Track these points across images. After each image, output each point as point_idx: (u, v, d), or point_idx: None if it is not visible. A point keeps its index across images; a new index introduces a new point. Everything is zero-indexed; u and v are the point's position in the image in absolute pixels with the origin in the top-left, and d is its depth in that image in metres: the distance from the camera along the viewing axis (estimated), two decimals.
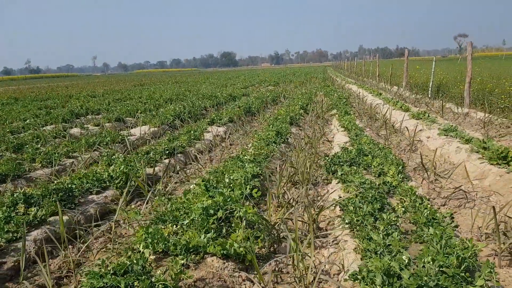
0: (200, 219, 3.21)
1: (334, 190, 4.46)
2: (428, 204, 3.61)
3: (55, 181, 4.79)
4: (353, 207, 3.46)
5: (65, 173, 6.17)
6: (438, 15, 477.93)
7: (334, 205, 3.93)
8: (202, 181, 4.12)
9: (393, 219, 3.14)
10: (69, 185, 4.20)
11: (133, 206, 4.60)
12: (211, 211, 3.34)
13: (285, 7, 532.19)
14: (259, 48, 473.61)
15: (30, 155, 6.29)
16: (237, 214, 3.39)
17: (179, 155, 6.78)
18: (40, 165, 6.06)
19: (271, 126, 8.08)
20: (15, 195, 3.88)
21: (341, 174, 4.71)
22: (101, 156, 6.29)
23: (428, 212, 3.31)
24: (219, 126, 9.36)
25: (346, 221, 3.36)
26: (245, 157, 5.50)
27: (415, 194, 3.84)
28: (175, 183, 5.45)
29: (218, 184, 4.16)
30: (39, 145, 7.28)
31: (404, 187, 4.13)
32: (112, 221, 3.66)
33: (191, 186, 4.55)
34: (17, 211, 3.74)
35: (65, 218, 3.78)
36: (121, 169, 4.80)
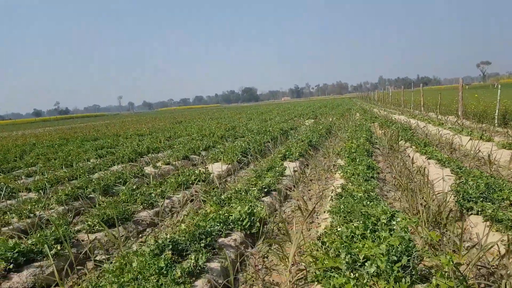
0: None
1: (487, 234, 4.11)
2: None
3: (188, 223, 4.63)
4: None
5: (163, 214, 6.07)
6: (456, 44, 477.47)
7: None
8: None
9: None
10: (209, 229, 4.02)
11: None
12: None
13: (302, 41, 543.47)
14: (279, 83, 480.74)
15: (128, 196, 6.22)
16: None
17: (273, 192, 6.58)
18: (141, 206, 5.96)
19: (353, 160, 7.83)
20: (160, 241, 3.72)
21: (481, 210, 4.38)
22: (207, 196, 6.15)
23: None
24: (291, 161, 9.18)
25: None
26: (359, 194, 5.25)
27: None
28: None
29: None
30: (127, 186, 7.23)
31: None
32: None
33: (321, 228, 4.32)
34: (165, 258, 3.56)
35: (217, 265, 3.58)
36: (245, 210, 4.61)
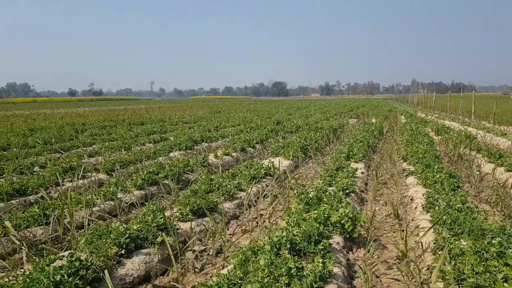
0: None
1: None
2: None
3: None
4: None
5: (241, 207, 6.01)
6: (494, 50, 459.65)
7: None
8: None
9: None
10: (315, 231, 3.88)
11: None
12: None
13: (335, 39, 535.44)
14: (308, 79, 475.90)
15: (207, 186, 6.18)
16: None
17: (352, 194, 6.39)
18: (223, 198, 5.91)
19: (428, 167, 7.53)
20: (275, 239, 3.62)
21: None
22: (282, 191, 6.05)
23: None
24: (355, 162, 8.95)
25: None
26: (458, 205, 5.01)
27: None
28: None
29: None
30: (199, 176, 7.23)
31: None
32: None
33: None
34: (282, 256, 3.46)
35: (338, 270, 3.45)
36: (346, 212, 4.46)
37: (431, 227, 4.03)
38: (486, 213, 5.64)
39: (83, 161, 9.37)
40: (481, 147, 9.75)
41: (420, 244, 3.84)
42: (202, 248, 4.49)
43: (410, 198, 6.56)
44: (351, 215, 4.45)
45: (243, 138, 11.70)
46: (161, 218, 4.38)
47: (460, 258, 3.48)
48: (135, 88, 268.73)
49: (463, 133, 12.35)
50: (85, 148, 11.22)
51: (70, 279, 2.99)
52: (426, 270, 3.78)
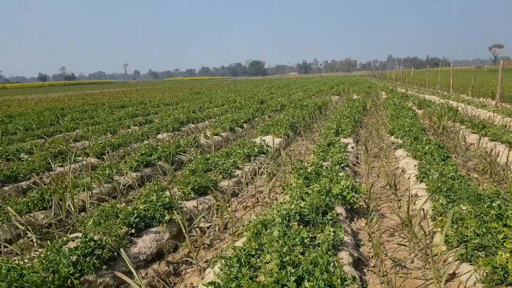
0: None
1: None
2: None
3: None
4: None
5: (240, 184, 6.06)
6: (467, 25, 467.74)
7: None
8: None
9: None
10: (322, 203, 3.97)
11: None
12: None
13: (312, 16, 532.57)
14: (286, 57, 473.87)
15: (204, 165, 6.19)
16: None
17: (346, 168, 6.52)
18: (221, 176, 5.94)
19: (416, 139, 7.73)
20: (283, 212, 3.69)
21: None
22: (277, 168, 6.11)
23: None
24: (344, 137, 9.09)
25: None
26: (451, 173, 5.20)
27: None
28: None
29: None
30: (195, 156, 7.21)
31: None
32: None
33: None
34: (292, 228, 3.55)
35: (348, 238, 3.56)
36: (347, 184, 4.57)
37: (431, 194, 4.20)
38: (478, 180, 5.88)
39: (70, 145, 9.18)
40: (464, 119, 10.05)
41: (422, 211, 3.99)
42: (208, 225, 4.54)
43: (401, 170, 6.76)
44: (352, 187, 4.56)
45: (230, 118, 11.68)
46: (165, 197, 4.39)
47: (460, 222, 3.64)
48: (108, 71, 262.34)
49: (446, 105, 12.66)
50: (68, 133, 10.98)
51: (87, 258, 2.99)
52: (427, 235, 3.95)
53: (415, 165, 6.31)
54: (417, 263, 3.52)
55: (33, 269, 2.63)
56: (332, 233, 3.32)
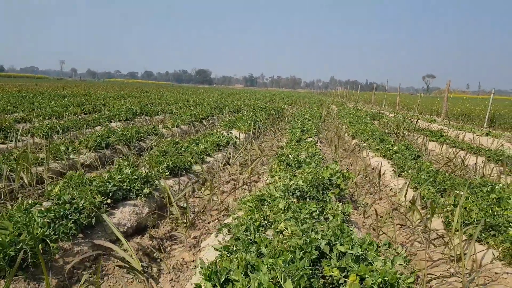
0: None
1: None
2: None
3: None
4: None
5: (212, 169, 5.65)
6: (403, 55, 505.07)
7: None
8: None
9: None
10: (315, 182, 3.72)
11: None
12: None
13: (261, 31, 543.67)
14: (232, 69, 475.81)
15: (173, 149, 5.69)
16: None
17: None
18: (193, 160, 5.49)
19: (382, 141, 7.84)
20: (283, 187, 3.38)
21: None
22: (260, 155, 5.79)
23: None
24: (310, 137, 9.01)
25: None
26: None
27: None
28: None
29: None
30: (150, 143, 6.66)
31: None
32: None
33: None
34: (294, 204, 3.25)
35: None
36: (336, 169, 4.38)
37: (424, 183, 4.13)
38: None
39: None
40: (420, 129, 10.45)
41: (412, 199, 3.88)
42: (185, 205, 4.09)
43: (372, 168, 6.75)
44: (342, 173, 4.37)
45: (189, 112, 11.17)
46: (140, 172, 3.89)
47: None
48: (42, 67, 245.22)
49: (401, 116, 13.17)
50: (7, 116, 9.79)
51: (63, 221, 2.45)
52: (421, 221, 3.84)
53: (388, 162, 6.33)
54: (419, 246, 3.37)
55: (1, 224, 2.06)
56: (340, 208, 3.06)
